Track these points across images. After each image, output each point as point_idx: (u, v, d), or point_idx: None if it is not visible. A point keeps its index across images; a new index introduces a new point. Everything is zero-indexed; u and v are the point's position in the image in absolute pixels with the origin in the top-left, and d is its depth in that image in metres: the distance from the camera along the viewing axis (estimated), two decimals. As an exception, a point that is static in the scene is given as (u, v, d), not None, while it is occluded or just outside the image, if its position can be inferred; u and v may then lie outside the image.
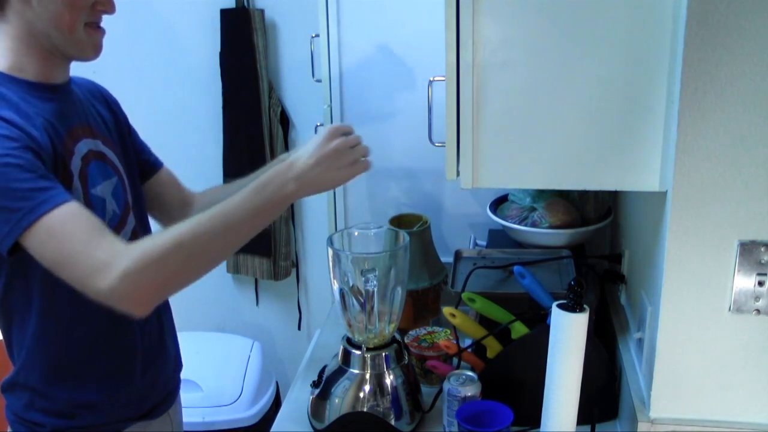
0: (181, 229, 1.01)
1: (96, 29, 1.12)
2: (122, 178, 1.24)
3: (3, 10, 1.08)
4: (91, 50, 1.13)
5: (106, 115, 1.28)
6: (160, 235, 1.01)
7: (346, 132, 1.15)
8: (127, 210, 1.23)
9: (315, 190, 1.11)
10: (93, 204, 1.14)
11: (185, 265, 1.01)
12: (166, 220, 1.39)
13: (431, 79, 1.43)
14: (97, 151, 1.18)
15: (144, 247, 0.99)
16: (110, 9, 1.13)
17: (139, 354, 1.24)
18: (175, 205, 1.40)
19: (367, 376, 1.29)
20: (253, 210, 1.05)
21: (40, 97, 1.10)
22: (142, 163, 1.35)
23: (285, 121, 2.33)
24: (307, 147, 1.12)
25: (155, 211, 1.39)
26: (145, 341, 1.26)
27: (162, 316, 1.32)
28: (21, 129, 1.01)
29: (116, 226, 1.20)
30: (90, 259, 0.97)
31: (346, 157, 1.13)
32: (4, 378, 1.20)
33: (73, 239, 0.98)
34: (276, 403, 2.33)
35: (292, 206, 2.40)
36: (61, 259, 0.98)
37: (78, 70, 1.19)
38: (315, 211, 2.42)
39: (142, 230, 1.28)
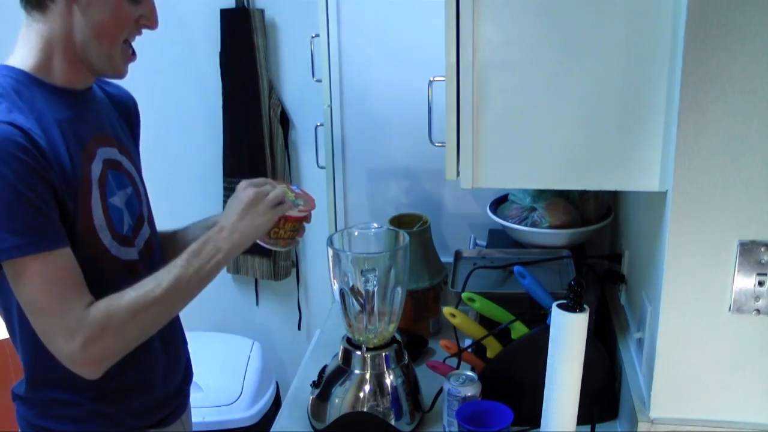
0: (137, 300, 1.06)
1: (129, 49, 1.12)
2: (137, 187, 1.24)
3: (44, 10, 1.06)
4: (118, 69, 1.13)
5: (124, 122, 1.28)
6: (119, 303, 1.05)
7: (259, 184, 1.20)
8: (140, 220, 1.24)
9: (245, 239, 1.16)
10: (111, 214, 1.14)
11: (139, 333, 1.09)
12: None
13: (431, 79, 1.43)
14: (114, 160, 1.19)
15: (105, 315, 1.03)
16: (153, 24, 1.13)
17: (159, 369, 1.25)
18: None
19: (367, 376, 1.29)
20: (196, 275, 1.11)
21: (64, 103, 1.10)
22: None
23: (285, 121, 2.33)
24: (227, 209, 1.18)
25: None
26: (165, 356, 1.26)
27: (178, 330, 1.34)
28: (40, 150, 1.01)
29: (131, 235, 1.20)
30: (59, 321, 1.02)
31: (263, 204, 1.17)
32: (15, 385, 1.19)
33: (50, 294, 1.01)
34: (276, 403, 2.33)
35: (292, 206, 2.40)
36: (33, 308, 1.02)
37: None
38: (315, 211, 2.41)
39: (155, 239, 1.29)
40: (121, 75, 1.15)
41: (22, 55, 1.09)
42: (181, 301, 1.11)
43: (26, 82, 1.07)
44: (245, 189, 1.18)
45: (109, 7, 1.06)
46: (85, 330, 1.01)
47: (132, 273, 1.18)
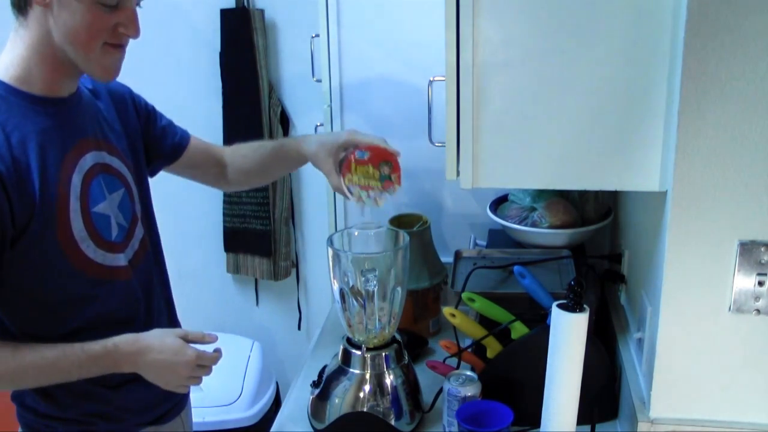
0: (14, 371, 1.08)
1: (114, 48, 1.09)
2: (129, 187, 1.23)
3: (26, 16, 1.06)
4: (103, 72, 1.10)
5: (114, 118, 1.25)
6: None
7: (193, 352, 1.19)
8: (134, 221, 1.23)
9: (146, 375, 1.16)
10: (95, 222, 1.13)
11: None
12: (208, 182, 1.51)
13: (431, 79, 1.43)
14: (103, 164, 1.18)
15: None
16: (133, 33, 1.09)
17: None
18: (211, 169, 1.47)
19: (367, 376, 1.29)
20: (76, 372, 1.11)
21: (42, 112, 1.09)
22: (168, 147, 1.37)
23: (285, 121, 2.33)
24: (158, 340, 1.16)
25: (195, 179, 1.47)
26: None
27: (174, 326, 1.34)
28: (2, 182, 1.01)
29: (123, 239, 1.19)
30: None
31: (186, 370, 1.18)
32: (13, 390, 1.20)
33: None
34: (276, 403, 2.33)
35: (292, 206, 2.40)
36: None
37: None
38: (315, 211, 2.42)
39: (150, 239, 1.29)
40: (108, 78, 1.12)
41: (5, 64, 1.08)
42: (40, 382, 1.12)
43: (5, 94, 1.06)
44: (186, 347, 1.17)
45: (79, 14, 1.03)
46: None
47: (119, 276, 1.18)
